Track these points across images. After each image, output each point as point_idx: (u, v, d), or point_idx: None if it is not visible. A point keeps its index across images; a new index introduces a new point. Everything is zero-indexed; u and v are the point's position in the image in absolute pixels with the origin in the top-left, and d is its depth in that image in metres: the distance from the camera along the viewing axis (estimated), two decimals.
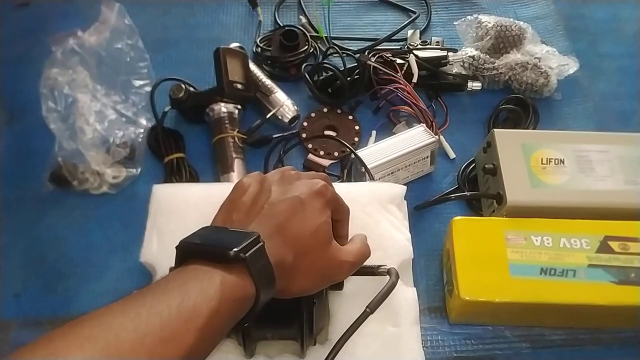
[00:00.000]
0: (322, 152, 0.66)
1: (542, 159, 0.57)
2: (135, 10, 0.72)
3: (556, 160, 0.57)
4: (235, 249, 0.34)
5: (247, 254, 0.34)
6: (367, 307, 0.42)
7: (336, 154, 0.66)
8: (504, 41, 0.72)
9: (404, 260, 0.52)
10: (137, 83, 0.68)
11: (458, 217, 0.55)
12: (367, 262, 0.49)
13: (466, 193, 0.61)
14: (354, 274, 0.47)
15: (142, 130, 0.65)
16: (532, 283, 0.50)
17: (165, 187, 0.56)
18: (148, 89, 0.67)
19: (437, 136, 0.62)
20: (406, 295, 0.50)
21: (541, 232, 0.53)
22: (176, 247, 0.36)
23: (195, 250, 0.36)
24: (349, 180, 0.64)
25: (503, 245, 0.52)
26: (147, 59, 0.69)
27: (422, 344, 0.51)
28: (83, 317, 0.29)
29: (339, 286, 0.47)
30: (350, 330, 0.42)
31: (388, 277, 0.46)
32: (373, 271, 0.48)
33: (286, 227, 0.39)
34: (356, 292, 0.49)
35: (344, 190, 0.55)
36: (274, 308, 0.43)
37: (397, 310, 0.48)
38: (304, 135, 0.67)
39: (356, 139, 0.67)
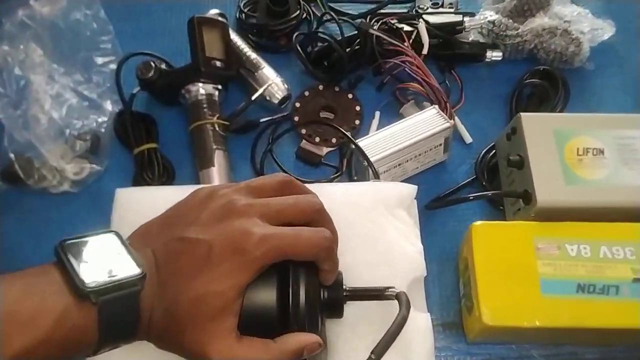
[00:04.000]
0: (317, 139, 0.57)
1: (578, 149, 0.48)
2: None
3: (595, 150, 0.48)
4: (90, 287, 0.29)
5: (102, 297, 0.29)
6: (371, 353, 0.34)
7: (334, 140, 0.57)
8: (529, 2, 0.61)
9: (415, 278, 0.43)
10: (100, 60, 0.59)
11: (478, 222, 0.46)
12: (371, 281, 0.41)
13: (487, 193, 0.52)
14: (355, 298, 0.40)
15: (106, 118, 0.56)
16: (568, 303, 0.43)
17: (130, 191, 0.47)
18: (113, 66, 0.58)
19: (452, 120, 0.53)
20: (419, 324, 0.42)
21: (578, 240, 0.45)
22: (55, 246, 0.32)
23: (59, 258, 0.31)
24: (349, 172, 0.55)
25: (533, 256, 0.44)
26: (111, 32, 0.59)
27: None
28: None
29: (338, 313, 0.40)
30: None
31: (396, 302, 0.39)
32: (378, 295, 0.40)
33: (176, 276, 0.32)
34: (358, 319, 0.41)
35: (341, 192, 0.47)
36: None
37: (408, 342, 0.41)
38: (296, 119, 0.58)
39: (357, 121, 0.58)
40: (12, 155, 0.53)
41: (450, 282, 0.51)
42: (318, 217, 0.36)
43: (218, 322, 0.32)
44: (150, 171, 0.54)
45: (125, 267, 0.31)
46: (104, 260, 0.31)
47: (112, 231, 0.33)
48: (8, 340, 0.27)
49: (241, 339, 0.33)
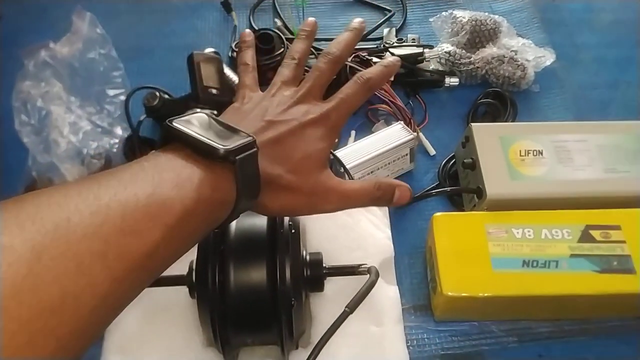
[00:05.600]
0: None
1: (520, 151, 0.57)
2: (108, 19, 0.71)
3: (534, 152, 0.57)
4: (226, 148, 0.30)
5: (238, 157, 0.31)
6: (346, 307, 0.42)
7: None
8: (480, 35, 0.71)
9: (385, 258, 0.51)
10: (112, 92, 0.67)
11: (438, 214, 0.54)
12: (347, 262, 0.49)
13: (446, 189, 0.60)
14: (333, 274, 0.47)
15: (117, 140, 0.64)
16: (515, 276, 0.50)
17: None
18: (123, 98, 0.66)
19: (415, 133, 0.62)
20: (388, 294, 0.49)
21: (522, 225, 0.53)
22: (163, 125, 0.32)
23: (181, 137, 0.32)
24: None
25: (484, 239, 0.52)
26: (121, 68, 0.68)
27: (408, 343, 0.51)
28: (29, 194, 0.25)
29: (319, 287, 0.47)
30: (330, 330, 0.41)
31: (368, 275, 0.46)
32: (353, 271, 0.47)
33: (280, 144, 0.36)
34: (337, 293, 0.48)
35: None
36: (251, 312, 0.43)
37: (379, 309, 0.48)
38: None
39: (335, 139, 0.67)
40: (34, 175, 0.61)
41: (419, 272, 0.58)
42: (341, 52, 0.42)
43: (326, 169, 0.38)
44: None
45: (235, 135, 0.33)
46: (214, 131, 0.32)
47: (202, 112, 0.35)
48: (140, 235, 0.26)
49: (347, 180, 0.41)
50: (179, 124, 0.32)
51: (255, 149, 0.32)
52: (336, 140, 0.41)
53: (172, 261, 0.29)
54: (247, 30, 0.47)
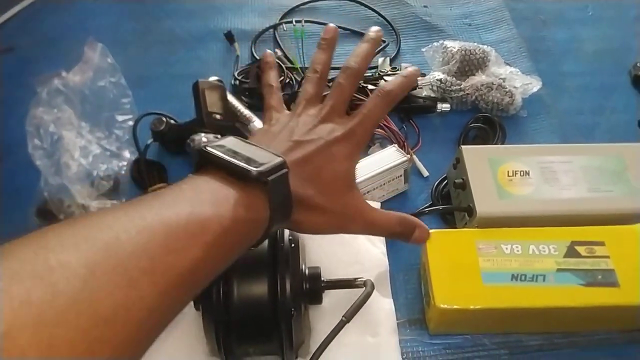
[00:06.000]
0: None
1: (508, 172, 0.60)
2: (118, 50, 0.75)
3: (522, 172, 0.60)
4: (258, 170, 0.32)
5: (270, 178, 0.33)
6: (343, 316, 0.44)
7: None
8: (469, 64, 0.75)
9: (380, 272, 0.54)
10: (121, 118, 0.70)
11: (432, 231, 0.57)
12: (345, 276, 0.51)
13: (439, 207, 0.63)
14: (331, 287, 0.50)
15: (125, 163, 0.67)
16: (504, 289, 0.52)
17: None
18: (131, 123, 0.70)
19: (408, 155, 0.65)
20: (383, 306, 0.51)
21: (511, 241, 0.55)
22: (197, 150, 0.36)
23: (216, 161, 0.34)
24: None
25: (475, 254, 0.55)
26: (130, 95, 0.72)
27: (404, 355, 0.53)
28: (80, 216, 0.28)
29: (318, 300, 0.49)
30: (327, 339, 0.44)
31: (364, 288, 0.48)
32: (350, 284, 0.50)
33: (309, 163, 0.38)
34: (335, 305, 0.50)
35: None
36: (253, 323, 0.45)
37: (375, 321, 0.50)
38: None
39: (360, 155, 0.70)
40: (46, 195, 0.64)
41: (414, 287, 0.60)
42: (359, 65, 0.44)
43: (355, 190, 0.40)
44: None
45: (267, 157, 0.34)
46: (246, 154, 0.34)
47: (234, 137, 0.37)
48: (178, 255, 0.27)
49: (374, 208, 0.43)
50: (213, 148, 0.34)
51: (285, 170, 0.34)
52: (359, 157, 0.43)
53: (212, 277, 0.31)
54: (268, 51, 0.48)
